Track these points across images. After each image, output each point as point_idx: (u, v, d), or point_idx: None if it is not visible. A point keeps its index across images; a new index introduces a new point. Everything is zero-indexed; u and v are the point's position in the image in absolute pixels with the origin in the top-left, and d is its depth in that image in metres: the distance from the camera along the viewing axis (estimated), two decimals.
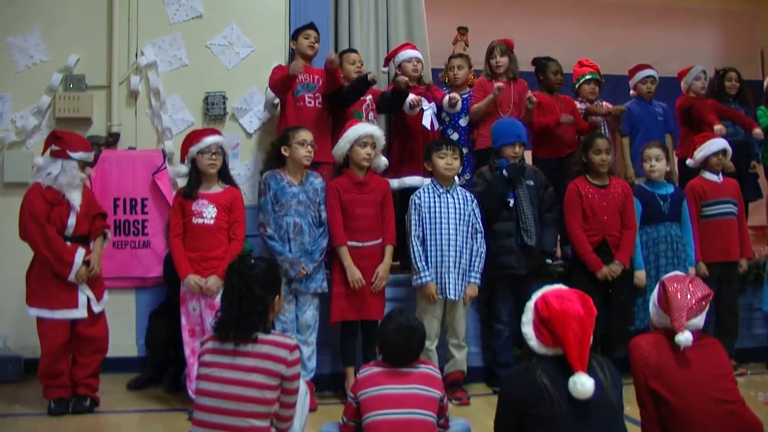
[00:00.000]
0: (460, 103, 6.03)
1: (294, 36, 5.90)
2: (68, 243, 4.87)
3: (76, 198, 4.90)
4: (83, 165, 4.99)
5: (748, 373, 5.84)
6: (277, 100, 5.95)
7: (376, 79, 5.73)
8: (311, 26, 5.88)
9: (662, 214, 5.63)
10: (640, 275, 5.54)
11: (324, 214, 5.18)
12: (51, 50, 6.07)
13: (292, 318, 5.06)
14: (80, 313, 4.89)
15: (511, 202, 5.40)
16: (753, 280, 6.17)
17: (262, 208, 5.12)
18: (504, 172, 5.37)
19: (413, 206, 5.24)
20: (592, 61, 6.84)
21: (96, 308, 4.94)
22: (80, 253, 4.86)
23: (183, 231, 4.94)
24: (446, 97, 6.04)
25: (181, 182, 5.18)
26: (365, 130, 5.23)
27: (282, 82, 5.53)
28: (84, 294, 4.91)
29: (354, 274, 5.06)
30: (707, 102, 6.74)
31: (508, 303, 5.47)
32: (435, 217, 5.18)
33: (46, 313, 4.87)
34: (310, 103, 5.75)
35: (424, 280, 5.12)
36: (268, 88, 5.89)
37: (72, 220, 4.89)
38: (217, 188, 5.03)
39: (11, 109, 6.02)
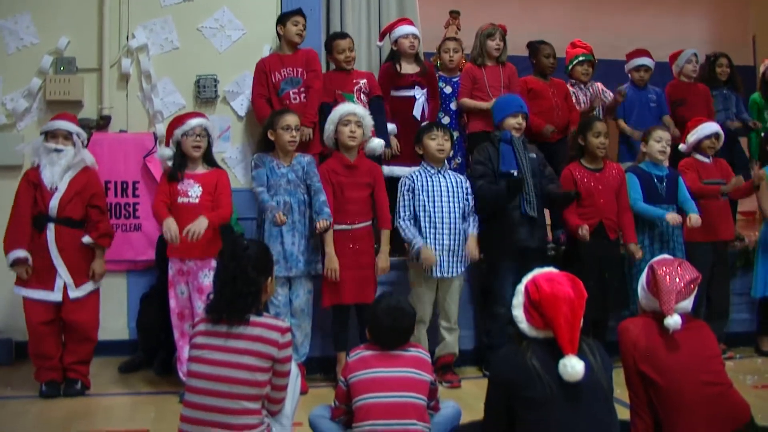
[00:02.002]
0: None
1: (281, 21, 5.85)
2: (52, 224, 4.89)
3: (48, 175, 4.89)
4: (54, 136, 4.96)
5: (737, 357, 5.87)
6: None
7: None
8: (299, 12, 5.85)
9: (659, 195, 5.61)
10: (674, 216, 5.46)
11: (316, 185, 5.11)
12: (41, 33, 6.03)
13: (285, 302, 5.06)
14: (55, 296, 4.89)
15: (515, 172, 5.30)
16: (743, 265, 6.20)
17: (256, 178, 5.06)
18: (507, 185, 5.25)
19: (404, 188, 5.23)
20: (590, 45, 6.83)
21: (72, 294, 4.92)
22: (19, 252, 4.84)
23: (168, 203, 4.92)
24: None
25: (169, 165, 5.15)
26: (346, 108, 5.22)
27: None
28: (62, 278, 4.91)
29: (332, 262, 5.04)
30: (698, 91, 6.76)
31: (512, 286, 5.34)
32: (429, 197, 5.18)
33: (24, 292, 4.91)
34: (295, 99, 5.72)
35: (417, 246, 5.11)
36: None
37: (54, 202, 4.88)
38: (202, 170, 5.02)
39: (1, 91, 5.98)
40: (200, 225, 4.67)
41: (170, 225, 4.74)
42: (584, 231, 5.30)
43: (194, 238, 4.65)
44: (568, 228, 5.50)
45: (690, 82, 6.85)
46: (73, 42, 6.06)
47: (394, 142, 5.90)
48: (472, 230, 5.27)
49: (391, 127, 5.90)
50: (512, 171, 5.31)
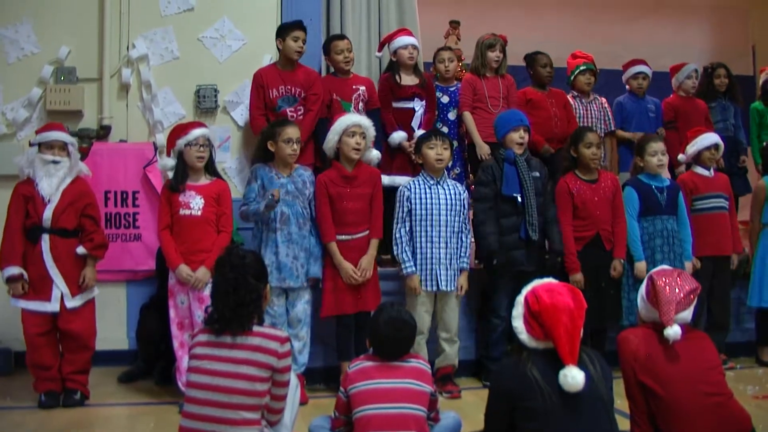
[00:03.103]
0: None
1: (280, 34, 5.80)
2: (47, 235, 4.89)
3: (45, 187, 4.87)
4: (50, 147, 4.95)
5: (738, 367, 5.85)
6: None
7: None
8: (300, 26, 5.79)
9: (659, 206, 5.60)
10: (641, 267, 5.49)
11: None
12: (42, 42, 6.04)
13: (281, 312, 5.06)
14: (52, 306, 4.88)
15: (519, 197, 5.33)
16: (743, 275, 6.18)
17: (246, 195, 5.11)
18: (494, 262, 5.33)
19: (402, 198, 5.23)
20: (591, 55, 6.83)
21: (69, 303, 4.91)
22: (13, 269, 4.84)
23: (171, 223, 4.94)
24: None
25: (170, 175, 5.15)
26: (352, 119, 5.21)
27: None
28: (58, 288, 4.90)
29: (346, 270, 5.07)
30: (696, 106, 6.77)
31: (508, 298, 5.29)
32: (426, 209, 5.17)
33: (21, 303, 4.90)
34: (291, 116, 5.69)
35: (407, 271, 5.14)
36: None
37: (48, 213, 4.87)
38: (204, 180, 5.03)
39: (2, 101, 5.99)
40: (204, 277, 4.81)
41: (182, 271, 4.81)
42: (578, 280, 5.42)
43: (200, 287, 4.81)
44: (565, 251, 5.50)
45: (688, 97, 6.84)
46: (74, 52, 6.07)
47: (405, 145, 5.87)
48: (464, 265, 5.28)
49: (402, 135, 5.88)
50: (514, 194, 5.32)
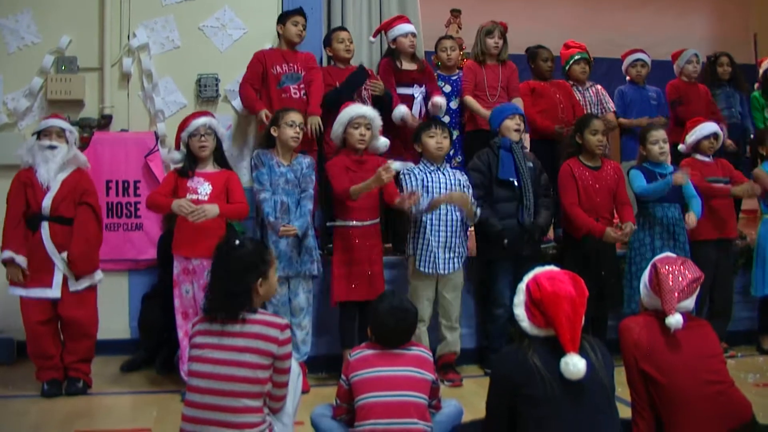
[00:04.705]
0: (444, 107, 5.98)
1: (281, 20, 5.84)
2: (46, 222, 4.88)
3: (44, 173, 4.88)
4: (48, 134, 4.97)
5: (739, 356, 5.87)
6: None
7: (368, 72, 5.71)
8: (300, 12, 5.83)
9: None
10: (677, 176, 5.36)
11: (310, 187, 5.14)
12: (42, 32, 6.04)
13: (284, 301, 5.05)
14: (53, 293, 4.88)
15: (515, 182, 5.32)
16: (744, 264, 6.19)
17: (258, 179, 5.05)
18: (505, 242, 5.28)
19: (406, 180, 5.23)
20: (584, 44, 6.82)
21: (72, 287, 4.92)
22: (8, 254, 4.82)
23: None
24: (432, 102, 5.96)
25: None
26: (357, 111, 5.20)
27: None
28: (60, 273, 4.90)
29: (381, 171, 4.83)
30: (699, 91, 6.75)
31: (509, 287, 5.31)
32: (427, 194, 5.16)
33: (21, 291, 4.90)
34: (295, 94, 5.71)
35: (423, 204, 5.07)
36: None
37: (47, 201, 4.88)
38: (211, 169, 5.02)
39: (3, 90, 5.99)
40: (212, 208, 4.72)
41: (180, 201, 4.71)
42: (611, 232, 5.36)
43: (199, 218, 4.67)
44: (580, 226, 5.47)
45: (690, 83, 6.83)
46: (75, 41, 6.06)
47: (409, 117, 5.80)
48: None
49: (402, 109, 5.80)
50: (511, 179, 5.32)
